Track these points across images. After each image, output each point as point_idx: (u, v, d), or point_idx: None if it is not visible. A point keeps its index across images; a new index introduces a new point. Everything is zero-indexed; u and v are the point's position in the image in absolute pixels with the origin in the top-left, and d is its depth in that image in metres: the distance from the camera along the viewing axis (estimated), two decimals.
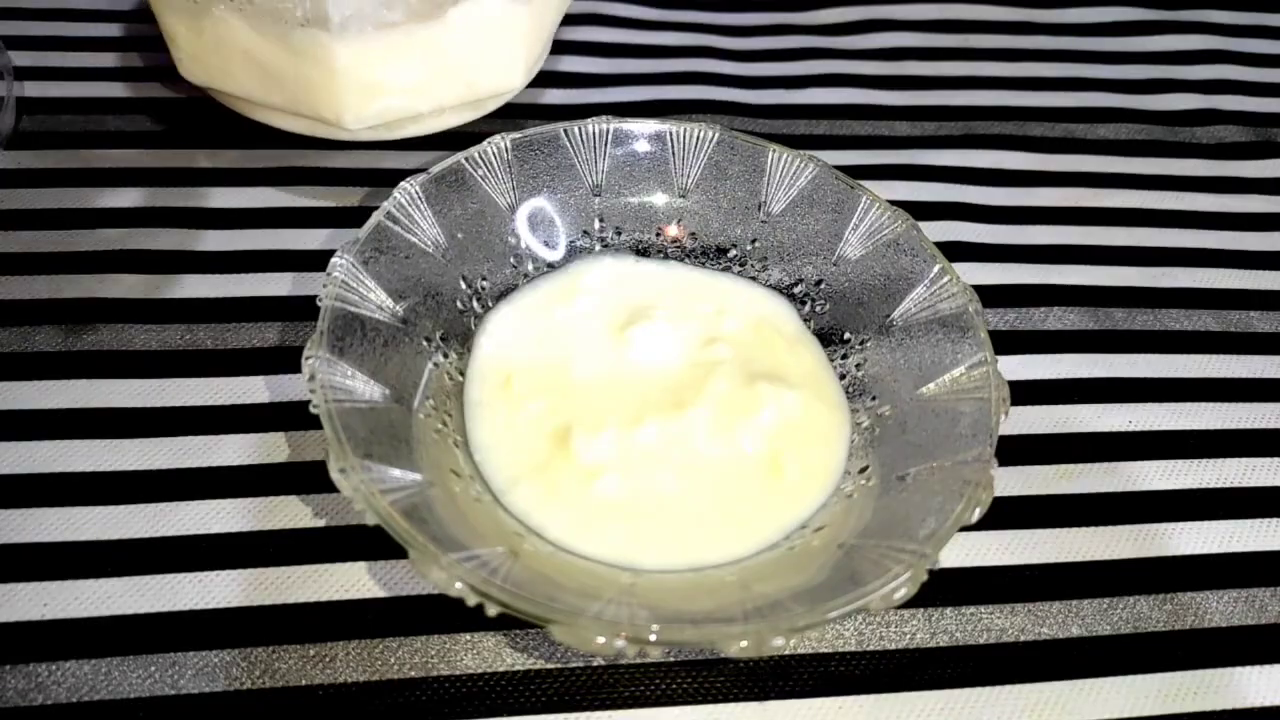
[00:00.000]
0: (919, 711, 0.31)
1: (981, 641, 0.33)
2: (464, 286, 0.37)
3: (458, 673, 0.31)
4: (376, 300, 0.33)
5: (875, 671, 0.32)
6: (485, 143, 0.38)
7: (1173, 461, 0.39)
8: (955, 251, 0.45)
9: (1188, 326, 0.44)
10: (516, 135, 0.39)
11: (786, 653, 0.32)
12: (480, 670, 0.31)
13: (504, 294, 0.39)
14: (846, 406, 0.36)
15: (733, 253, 0.41)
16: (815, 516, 0.33)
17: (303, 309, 0.41)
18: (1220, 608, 0.35)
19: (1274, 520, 0.37)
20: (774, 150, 0.40)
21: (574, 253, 0.40)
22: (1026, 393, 0.41)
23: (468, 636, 0.32)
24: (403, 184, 0.36)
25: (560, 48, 0.56)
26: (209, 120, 0.48)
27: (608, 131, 0.40)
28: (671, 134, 0.40)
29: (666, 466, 0.33)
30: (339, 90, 0.40)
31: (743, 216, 0.41)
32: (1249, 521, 0.37)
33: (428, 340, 0.35)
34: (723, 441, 0.34)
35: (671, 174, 0.41)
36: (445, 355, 0.36)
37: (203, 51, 0.42)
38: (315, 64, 0.39)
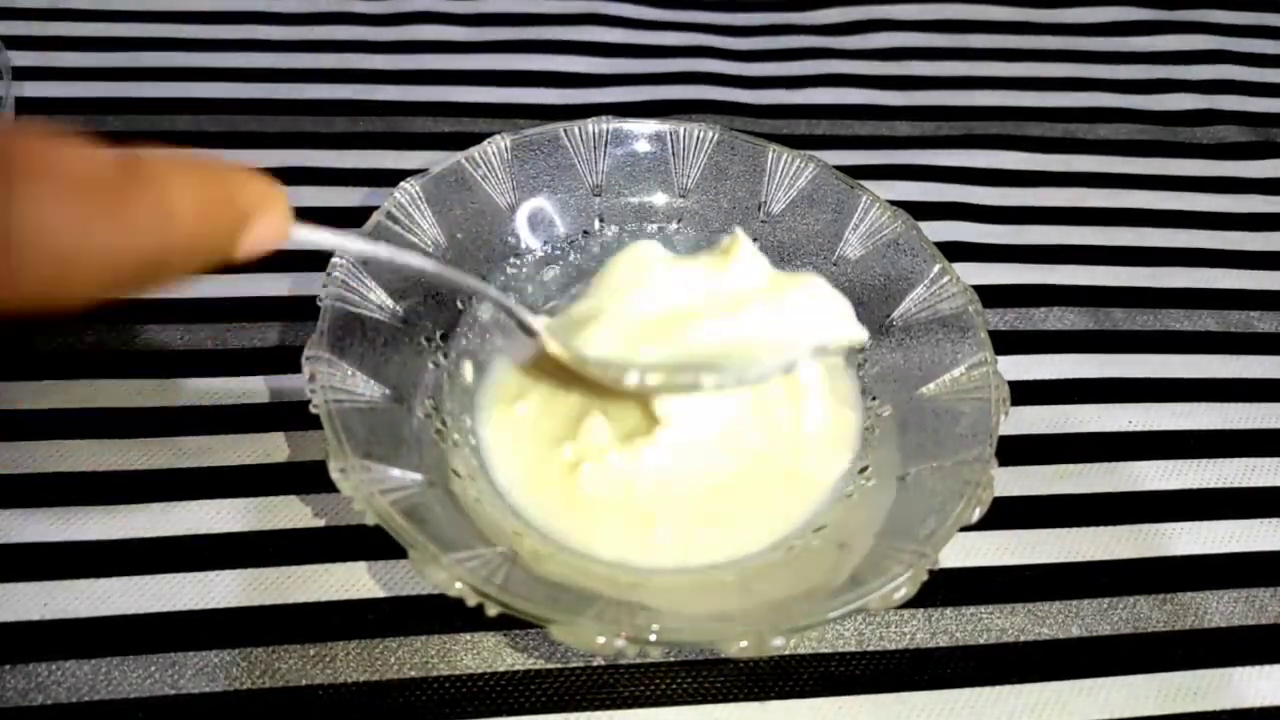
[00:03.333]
0: (919, 711, 0.31)
1: (981, 641, 0.33)
2: None
3: (458, 673, 0.31)
4: (376, 300, 0.33)
5: (875, 671, 0.32)
6: (485, 143, 0.38)
7: (1173, 461, 0.39)
8: (955, 251, 0.45)
9: (1188, 326, 0.44)
10: (516, 135, 0.39)
11: (786, 653, 0.32)
12: (480, 670, 0.31)
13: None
14: (861, 405, 0.36)
15: None
16: (816, 516, 0.33)
17: (303, 309, 0.40)
18: (1220, 608, 0.35)
19: (1274, 520, 0.37)
20: (774, 150, 0.40)
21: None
22: (1026, 393, 0.40)
23: (468, 636, 0.32)
24: (403, 184, 0.36)
25: (560, 48, 0.56)
26: None
27: (608, 131, 0.40)
28: (671, 134, 0.40)
29: (673, 465, 0.33)
30: None
31: (743, 216, 0.40)
32: (1249, 521, 0.37)
33: (428, 340, 0.35)
34: (736, 442, 0.34)
35: (671, 174, 0.41)
36: (445, 355, 0.36)
37: None
38: None
